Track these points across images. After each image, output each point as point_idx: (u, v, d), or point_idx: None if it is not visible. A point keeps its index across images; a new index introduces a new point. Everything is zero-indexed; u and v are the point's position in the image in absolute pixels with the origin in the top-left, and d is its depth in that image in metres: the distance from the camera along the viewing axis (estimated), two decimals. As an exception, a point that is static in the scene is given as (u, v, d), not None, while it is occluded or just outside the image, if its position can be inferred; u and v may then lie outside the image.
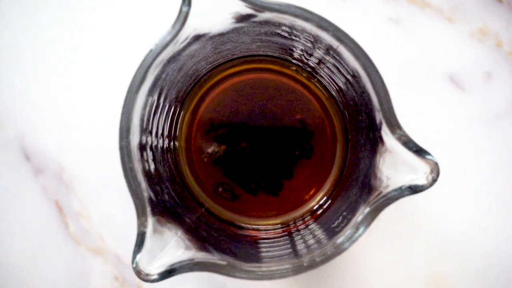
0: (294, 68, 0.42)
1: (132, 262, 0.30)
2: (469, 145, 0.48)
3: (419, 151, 0.30)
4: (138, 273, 0.30)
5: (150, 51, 0.31)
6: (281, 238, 0.38)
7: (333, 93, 0.41)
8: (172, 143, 0.41)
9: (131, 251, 0.46)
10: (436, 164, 0.30)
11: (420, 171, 0.30)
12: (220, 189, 0.43)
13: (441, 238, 0.48)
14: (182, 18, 0.31)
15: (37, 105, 0.49)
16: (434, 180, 0.30)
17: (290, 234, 0.38)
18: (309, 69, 0.41)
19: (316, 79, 0.42)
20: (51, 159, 0.49)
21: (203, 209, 0.41)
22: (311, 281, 0.48)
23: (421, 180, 0.30)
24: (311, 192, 0.43)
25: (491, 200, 0.48)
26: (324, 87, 0.42)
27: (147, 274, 0.30)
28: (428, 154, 0.30)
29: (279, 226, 0.41)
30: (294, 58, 0.41)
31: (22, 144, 0.49)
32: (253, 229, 0.41)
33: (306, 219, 0.41)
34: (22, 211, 0.49)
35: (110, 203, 0.48)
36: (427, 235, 0.48)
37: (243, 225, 0.42)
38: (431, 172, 0.30)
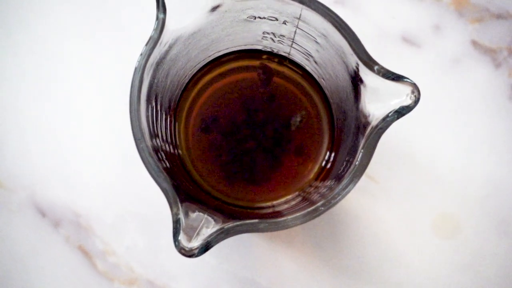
0: (265, 57, 0.46)
1: (174, 243, 0.33)
2: (438, 92, 0.52)
3: (398, 77, 0.34)
4: (182, 249, 0.33)
5: (140, 55, 0.34)
6: (296, 200, 0.41)
7: (307, 67, 0.45)
8: (176, 150, 0.44)
9: (161, 273, 0.49)
10: (415, 84, 0.34)
11: (403, 93, 0.34)
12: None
13: (437, 183, 0.51)
14: (160, 25, 0.34)
15: (40, 162, 0.51)
16: (417, 98, 0.34)
17: (304, 198, 0.41)
18: (280, 53, 0.45)
19: (287, 61, 0.45)
20: (65, 209, 0.51)
21: (220, 202, 0.44)
22: (322, 238, 0.51)
23: (406, 101, 0.34)
24: (309, 166, 0.46)
25: (470, 134, 0.52)
26: (297, 66, 0.45)
27: (190, 249, 0.33)
28: (406, 78, 0.34)
29: (296, 194, 0.44)
30: (264, 46, 0.44)
31: (35, 202, 0.51)
32: (272, 206, 0.44)
33: (313, 184, 0.44)
34: (51, 266, 0.51)
35: (130, 232, 0.51)
36: (425, 185, 0.51)
37: (262, 205, 0.44)
38: (412, 92, 0.34)
